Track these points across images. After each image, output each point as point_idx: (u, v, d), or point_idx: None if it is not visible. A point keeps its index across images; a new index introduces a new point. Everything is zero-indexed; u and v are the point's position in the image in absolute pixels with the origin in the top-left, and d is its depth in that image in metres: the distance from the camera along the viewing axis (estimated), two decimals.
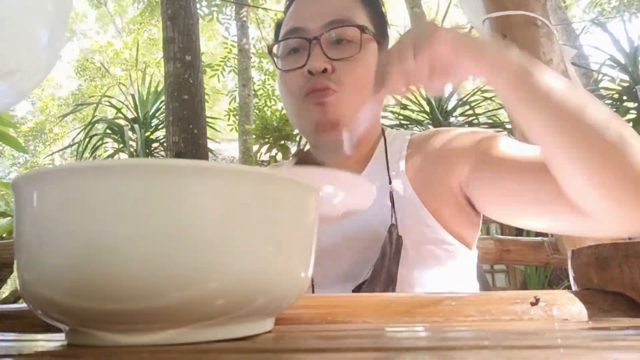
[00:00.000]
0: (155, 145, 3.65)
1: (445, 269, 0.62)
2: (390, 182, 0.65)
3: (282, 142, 3.46)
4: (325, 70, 0.62)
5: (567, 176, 0.48)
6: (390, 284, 0.57)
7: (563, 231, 0.58)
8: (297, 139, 3.30)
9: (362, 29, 0.64)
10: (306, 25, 0.64)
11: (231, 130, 6.08)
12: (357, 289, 0.59)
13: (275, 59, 0.70)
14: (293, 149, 3.44)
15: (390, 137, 0.71)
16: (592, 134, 0.45)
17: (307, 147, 0.77)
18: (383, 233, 0.61)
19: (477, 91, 3.25)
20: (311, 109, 0.64)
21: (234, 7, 6.47)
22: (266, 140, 3.48)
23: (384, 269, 0.58)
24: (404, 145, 0.69)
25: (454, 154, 0.63)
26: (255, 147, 3.79)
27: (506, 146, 0.60)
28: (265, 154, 3.61)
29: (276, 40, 0.71)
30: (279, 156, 3.54)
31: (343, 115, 0.63)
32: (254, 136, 3.70)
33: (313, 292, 0.63)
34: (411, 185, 0.64)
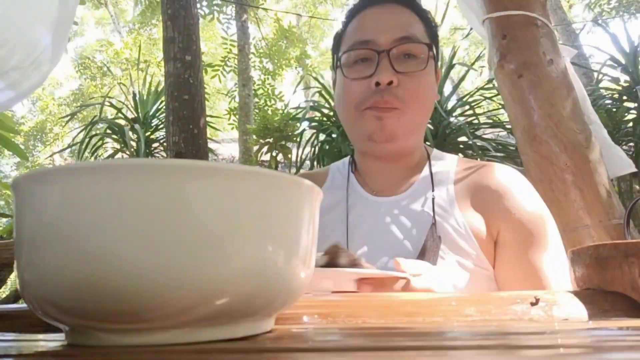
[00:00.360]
0: (155, 145, 3.65)
1: (472, 283, 0.64)
2: (432, 190, 0.69)
3: (283, 142, 3.46)
4: (391, 83, 0.66)
5: None
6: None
7: None
8: (298, 139, 3.29)
9: (430, 47, 0.68)
10: (376, 38, 0.67)
11: (232, 128, 6.08)
12: None
13: (340, 67, 0.73)
14: (294, 150, 3.44)
15: (434, 158, 0.75)
16: None
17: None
18: (424, 232, 0.64)
19: (477, 91, 3.25)
20: (369, 121, 0.68)
21: (234, 7, 6.47)
22: (267, 140, 3.48)
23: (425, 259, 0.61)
24: (453, 166, 0.73)
25: (500, 212, 0.66)
26: (255, 147, 3.79)
27: (533, 245, 0.63)
28: (265, 154, 3.61)
29: (335, 50, 0.76)
30: (280, 157, 3.54)
31: (400, 130, 0.68)
32: (254, 136, 3.70)
33: None
34: (457, 205, 0.67)
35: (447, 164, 0.74)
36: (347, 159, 0.81)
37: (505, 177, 0.69)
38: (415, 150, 0.74)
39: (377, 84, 0.66)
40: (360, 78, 0.68)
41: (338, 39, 0.76)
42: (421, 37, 0.69)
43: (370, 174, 0.75)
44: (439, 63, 0.81)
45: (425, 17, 0.72)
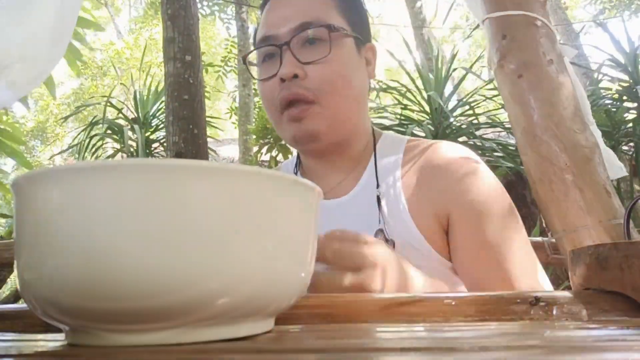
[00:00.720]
0: (155, 145, 3.65)
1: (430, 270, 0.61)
2: (377, 186, 0.64)
3: (283, 142, 3.46)
4: (296, 76, 0.61)
5: None
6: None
7: None
8: None
9: (330, 28, 0.61)
10: (276, 32, 0.63)
11: (235, 127, 6.08)
12: None
13: (250, 68, 0.69)
14: (294, 150, 3.45)
15: (381, 145, 0.69)
16: None
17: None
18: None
19: (477, 91, 3.25)
20: (289, 124, 0.63)
21: (234, 7, 6.47)
22: (267, 140, 3.48)
23: None
24: (400, 151, 0.67)
25: (448, 194, 0.62)
26: (255, 147, 3.78)
27: (487, 224, 0.60)
28: (265, 154, 3.60)
29: (254, 47, 0.70)
30: (280, 157, 3.54)
31: (322, 127, 0.62)
32: (254, 136, 3.70)
33: None
34: (404, 196, 0.62)
35: (394, 149, 0.68)
36: (294, 158, 0.76)
37: (451, 156, 0.64)
38: (354, 140, 0.67)
39: (282, 80, 0.61)
40: (269, 77, 0.63)
41: (255, 35, 0.70)
42: (329, 17, 0.63)
43: (313, 173, 0.70)
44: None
45: None
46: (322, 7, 0.64)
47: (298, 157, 0.75)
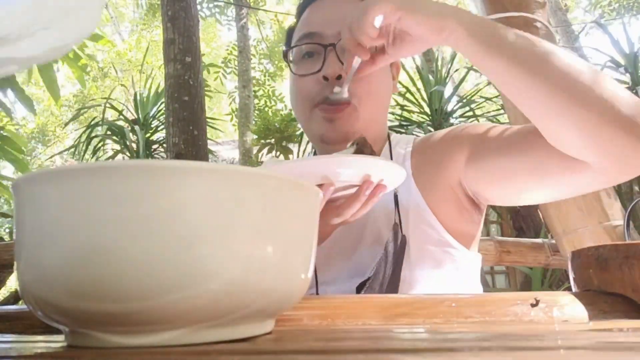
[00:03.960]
0: (155, 146, 3.65)
1: (446, 272, 0.62)
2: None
3: (284, 143, 3.46)
4: (339, 77, 0.62)
5: (551, 126, 0.50)
6: (393, 282, 0.57)
7: (569, 194, 0.58)
8: (300, 140, 3.29)
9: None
10: (322, 31, 0.64)
11: (235, 130, 6.10)
12: (361, 286, 0.59)
13: (289, 63, 0.69)
14: (295, 150, 3.44)
15: (394, 140, 0.72)
16: (563, 75, 0.46)
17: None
18: (387, 232, 0.61)
19: (477, 92, 3.25)
20: (320, 122, 0.64)
21: (235, 8, 6.49)
22: (268, 141, 3.48)
23: (387, 267, 0.58)
24: (409, 146, 0.70)
25: (449, 149, 0.63)
26: (256, 148, 3.79)
27: (493, 130, 0.61)
28: (266, 155, 3.61)
29: (287, 45, 0.71)
30: (281, 157, 3.54)
31: (352, 129, 0.64)
32: (255, 137, 3.70)
33: (317, 288, 0.63)
34: (415, 185, 0.64)
35: (403, 145, 0.70)
36: (310, 156, 0.78)
37: (445, 130, 0.67)
38: (375, 143, 0.69)
39: (325, 78, 0.63)
40: (309, 74, 0.64)
41: (290, 33, 0.72)
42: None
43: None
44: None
45: None
46: None
47: (314, 154, 0.77)
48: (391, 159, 0.68)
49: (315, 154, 0.76)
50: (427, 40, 0.53)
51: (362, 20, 0.51)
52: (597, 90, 0.45)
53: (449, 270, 0.62)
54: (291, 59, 0.69)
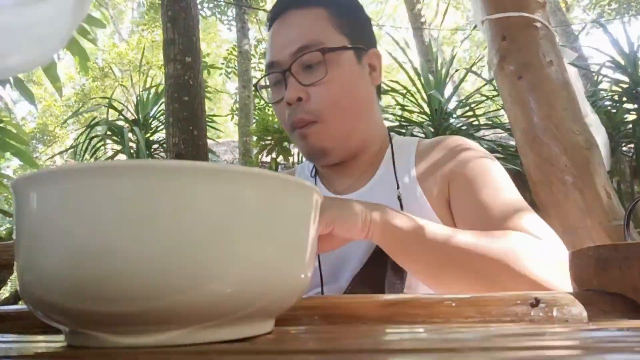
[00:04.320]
0: (155, 146, 3.65)
1: None
2: (398, 187, 0.66)
3: (284, 143, 3.46)
4: (300, 99, 0.64)
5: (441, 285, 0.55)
6: (398, 289, 0.57)
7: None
8: None
9: (323, 50, 0.63)
10: (279, 58, 0.66)
11: (237, 130, 6.10)
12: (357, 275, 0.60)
13: (260, 92, 0.74)
14: (295, 151, 3.44)
15: (397, 143, 0.72)
16: (459, 259, 0.51)
17: None
18: None
19: (476, 92, 3.25)
20: (300, 142, 0.68)
21: (235, 8, 6.49)
22: (267, 141, 3.48)
23: (387, 274, 0.58)
24: (412, 151, 0.70)
25: (445, 173, 0.65)
26: (255, 149, 3.78)
27: (483, 196, 0.60)
28: (266, 155, 3.60)
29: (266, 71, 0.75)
30: (280, 158, 3.54)
31: (327, 143, 0.66)
32: (254, 137, 3.70)
33: (322, 288, 0.64)
34: (422, 190, 0.65)
35: (406, 149, 0.70)
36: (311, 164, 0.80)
37: (452, 144, 0.68)
38: (368, 147, 0.71)
39: (288, 104, 0.65)
40: (278, 101, 0.68)
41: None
42: (325, 37, 0.64)
43: (328, 176, 0.74)
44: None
45: (334, 6, 0.67)
46: (318, 27, 0.65)
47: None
48: (393, 163, 0.69)
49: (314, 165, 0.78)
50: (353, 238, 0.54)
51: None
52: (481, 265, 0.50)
53: None
54: (268, 85, 0.72)
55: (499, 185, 0.61)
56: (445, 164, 0.65)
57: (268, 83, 0.71)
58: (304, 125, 0.65)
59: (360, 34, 0.69)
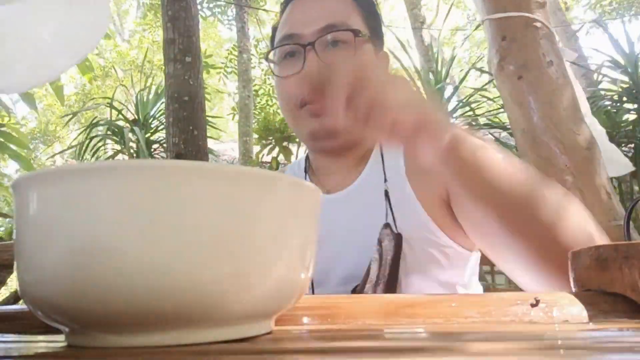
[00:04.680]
0: (155, 146, 3.65)
1: (444, 273, 0.61)
2: (385, 180, 0.64)
3: (285, 143, 3.46)
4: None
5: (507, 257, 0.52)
6: (391, 283, 0.56)
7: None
8: (300, 140, 3.29)
9: (356, 32, 0.63)
10: (301, 31, 0.64)
11: (237, 130, 6.10)
12: (355, 290, 0.58)
13: (271, 65, 0.69)
14: (295, 151, 3.44)
15: None
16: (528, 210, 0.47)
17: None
18: (378, 231, 0.59)
19: (477, 92, 3.25)
20: (307, 120, 0.64)
21: (235, 8, 6.49)
22: (269, 141, 3.48)
23: (382, 268, 0.56)
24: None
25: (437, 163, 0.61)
26: (257, 148, 3.78)
27: (482, 166, 0.55)
28: (267, 155, 3.60)
29: (272, 45, 0.71)
30: (281, 157, 3.54)
31: (339, 126, 0.61)
32: (255, 136, 3.70)
33: (313, 290, 0.63)
34: (410, 185, 0.62)
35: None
36: (302, 159, 0.77)
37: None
38: (361, 142, 0.68)
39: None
40: (291, 75, 0.64)
41: (274, 32, 0.71)
42: (352, 22, 0.64)
43: (322, 170, 0.72)
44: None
45: (360, 0, 0.67)
46: (347, 11, 0.65)
47: (307, 159, 0.76)
48: (381, 155, 0.66)
49: (307, 157, 0.75)
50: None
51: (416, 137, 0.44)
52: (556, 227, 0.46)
53: (448, 271, 0.61)
54: (274, 59, 0.69)
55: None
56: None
57: (277, 55, 0.68)
58: (320, 103, 0.61)
59: (377, 31, 0.69)
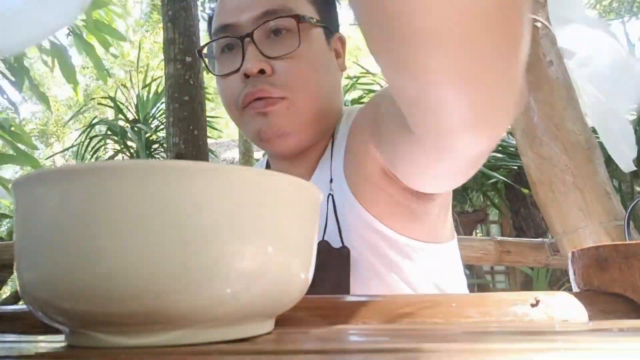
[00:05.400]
0: (155, 146, 3.65)
1: (409, 272, 0.55)
2: (331, 181, 0.58)
3: None
4: (263, 72, 0.54)
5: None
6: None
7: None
8: None
9: (299, 17, 0.54)
10: (236, 20, 0.55)
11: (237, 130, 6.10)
12: None
13: (205, 61, 0.61)
14: None
15: (341, 122, 0.61)
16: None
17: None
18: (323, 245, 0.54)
19: None
20: (253, 119, 0.56)
21: None
22: None
23: (327, 283, 0.51)
24: (346, 130, 0.59)
25: (359, 133, 0.54)
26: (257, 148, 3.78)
27: (383, 98, 0.50)
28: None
29: (209, 37, 0.61)
30: None
31: (290, 124, 0.56)
32: None
33: None
34: (347, 184, 0.56)
35: (345, 129, 0.59)
36: (264, 161, 0.70)
37: (362, 110, 0.57)
38: (321, 140, 0.61)
39: (246, 75, 0.55)
40: (230, 73, 0.56)
41: (209, 24, 0.62)
42: (296, 5, 0.55)
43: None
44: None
45: None
46: None
47: (268, 161, 0.69)
48: (330, 166, 0.59)
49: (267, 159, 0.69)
50: None
51: None
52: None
53: (411, 269, 0.55)
54: (215, 53, 0.60)
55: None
56: (356, 132, 0.55)
57: (214, 52, 0.59)
58: (266, 102, 0.54)
59: (329, 13, 0.60)
